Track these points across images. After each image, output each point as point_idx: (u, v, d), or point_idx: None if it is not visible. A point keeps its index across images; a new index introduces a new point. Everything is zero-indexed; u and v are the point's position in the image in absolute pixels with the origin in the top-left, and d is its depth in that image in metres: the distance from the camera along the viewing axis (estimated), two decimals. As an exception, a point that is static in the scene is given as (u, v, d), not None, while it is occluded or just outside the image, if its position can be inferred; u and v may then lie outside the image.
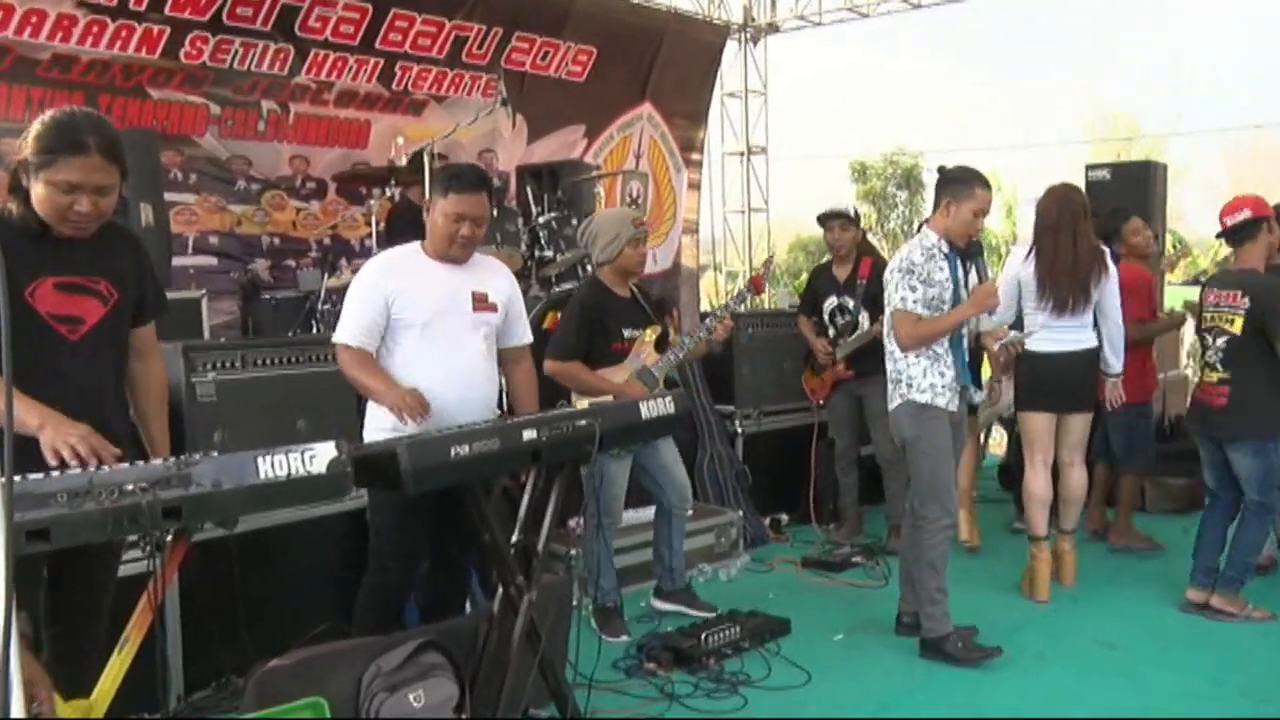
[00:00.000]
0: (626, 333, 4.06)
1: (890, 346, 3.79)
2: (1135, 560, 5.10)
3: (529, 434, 2.75)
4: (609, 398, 3.61)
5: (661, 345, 4.15)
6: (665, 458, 4.21)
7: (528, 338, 3.44)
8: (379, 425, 3.12)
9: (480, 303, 3.23)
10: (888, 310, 3.77)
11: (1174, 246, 9.48)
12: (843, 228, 5.38)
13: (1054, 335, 4.37)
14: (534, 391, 3.43)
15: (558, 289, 5.35)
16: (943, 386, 3.71)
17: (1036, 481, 4.48)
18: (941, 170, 3.77)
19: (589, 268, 4.37)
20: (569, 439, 2.86)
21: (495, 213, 5.44)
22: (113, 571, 2.59)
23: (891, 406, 3.80)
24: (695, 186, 10.12)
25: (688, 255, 10.07)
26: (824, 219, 5.42)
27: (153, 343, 2.68)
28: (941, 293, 3.70)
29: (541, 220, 5.69)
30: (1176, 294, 7.16)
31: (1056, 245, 4.32)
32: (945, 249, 3.73)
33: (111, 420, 2.45)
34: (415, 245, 3.26)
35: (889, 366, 3.81)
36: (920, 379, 3.71)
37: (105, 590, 2.56)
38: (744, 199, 11.08)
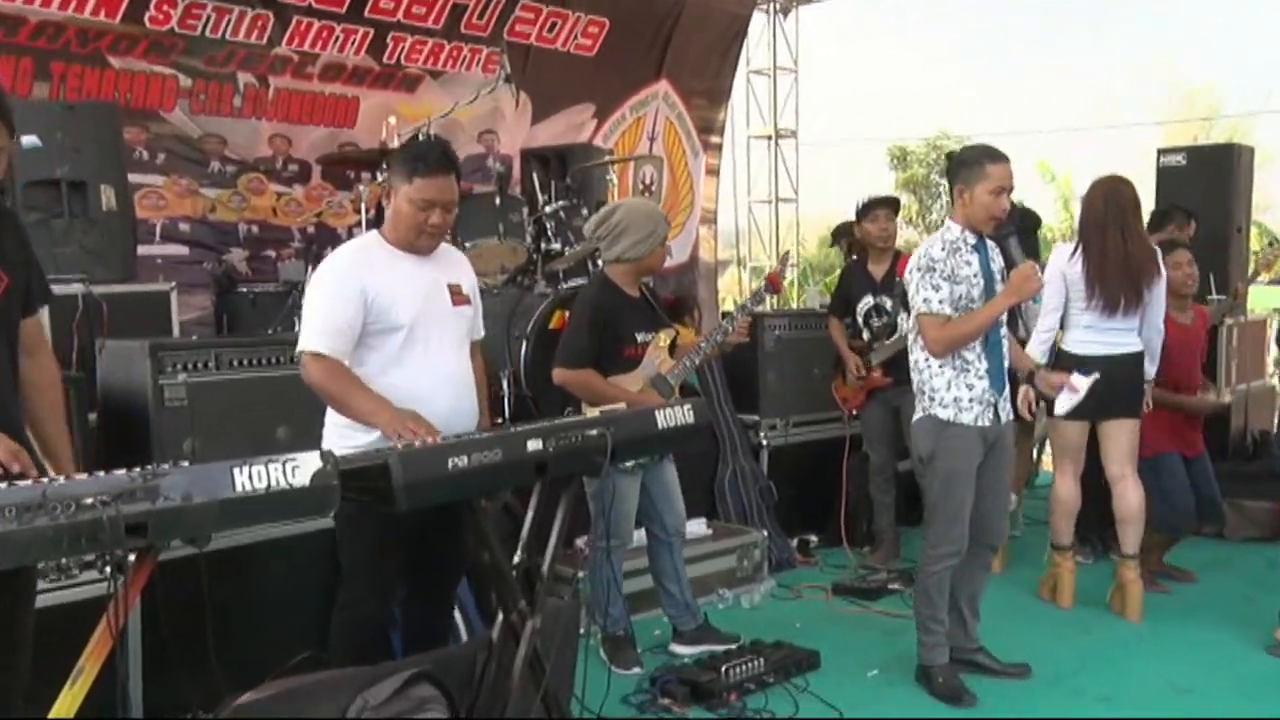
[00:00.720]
0: (639, 337, 4.08)
1: (915, 355, 3.78)
2: (1212, 593, 5.01)
3: (534, 444, 2.74)
4: (620, 406, 3.59)
5: (675, 350, 4.18)
6: (668, 480, 4.21)
7: (481, 331, 3.46)
8: (344, 439, 3.04)
9: (457, 295, 3.26)
10: (911, 315, 3.74)
11: (1269, 244, 9.36)
12: (889, 217, 5.39)
13: (1098, 337, 4.49)
14: (484, 389, 3.47)
15: (566, 286, 5.36)
16: (970, 400, 3.67)
17: (1064, 487, 4.73)
18: (949, 157, 3.81)
19: (598, 263, 4.36)
20: (578, 450, 2.85)
21: (498, 201, 5.49)
22: (32, 585, 2.48)
23: (915, 418, 3.79)
24: (714, 172, 10.13)
25: (705, 248, 10.08)
26: (869, 207, 5.40)
27: (41, 336, 2.65)
28: (970, 290, 3.66)
29: (548, 210, 5.72)
30: (1266, 295, 7.08)
31: (1105, 243, 4.39)
32: (970, 240, 3.70)
33: (14, 420, 2.41)
34: (374, 237, 3.24)
35: (914, 377, 3.80)
36: (943, 391, 3.69)
37: (26, 613, 2.45)
38: (771, 187, 11.08)
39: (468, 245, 5.35)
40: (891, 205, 5.39)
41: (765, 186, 11.09)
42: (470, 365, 3.32)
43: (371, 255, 3.17)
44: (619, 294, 4.10)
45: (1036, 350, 5.47)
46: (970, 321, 3.62)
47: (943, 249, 3.66)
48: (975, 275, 3.67)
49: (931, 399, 3.71)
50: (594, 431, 2.91)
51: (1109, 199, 4.44)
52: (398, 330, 3.09)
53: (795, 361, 6.00)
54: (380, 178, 5.81)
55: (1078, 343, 4.49)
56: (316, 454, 2.28)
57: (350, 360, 3.10)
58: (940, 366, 3.68)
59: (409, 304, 3.11)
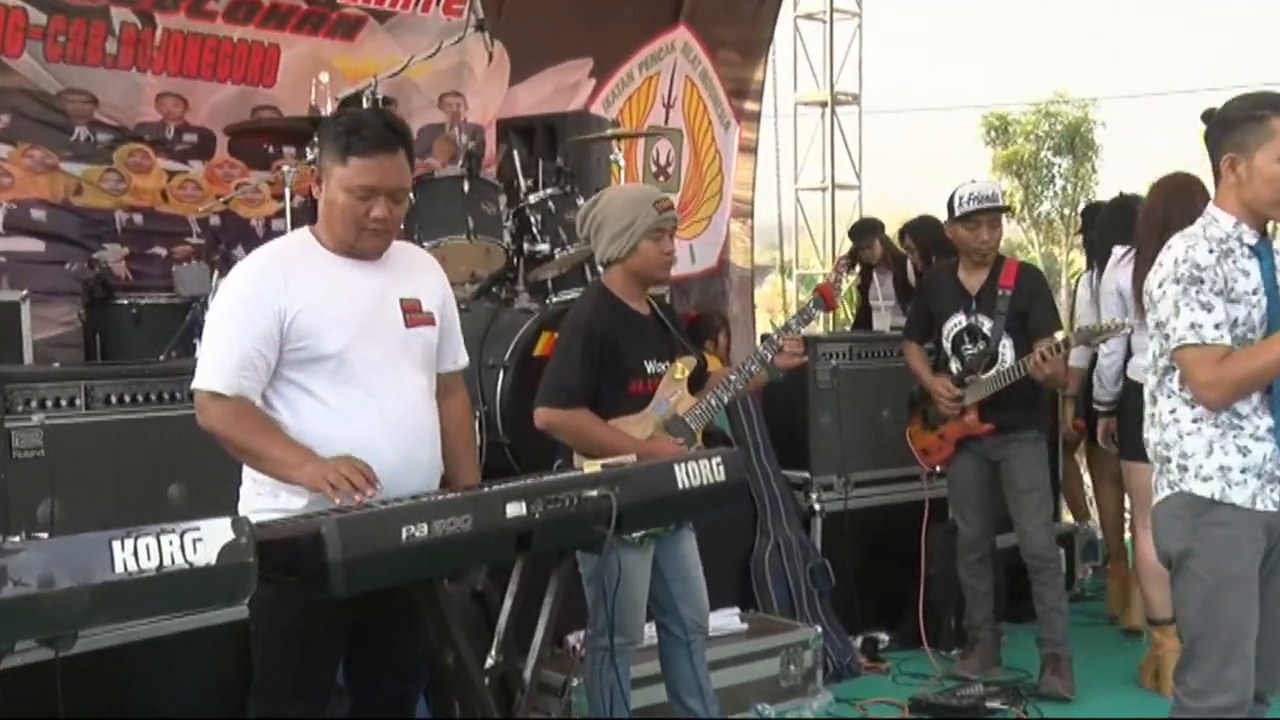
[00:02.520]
0: (649, 366, 4.10)
1: (1161, 404, 3.47)
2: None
3: (515, 509, 2.74)
4: (628, 458, 3.59)
5: (698, 383, 4.19)
6: (685, 557, 4.19)
7: (463, 358, 3.53)
8: (271, 502, 3.08)
9: (413, 313, 3.28)
10: (1157, 345, 3.45)
11: None
12: (993, 224, 5.33)
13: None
14: (469, 436, 3.55)
15: (556, 299, 5.33)
16: (1244, 471, 3.34)
17: (1152, 550, 4.60)
18: (1208, 115, 3.56)
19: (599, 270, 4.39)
20: (573, 517, 2.85)
21: (467, 187, 5.51)
22: None
23: (1157, 499, 3.58)
24: (750, 149, 10.19)
25: (739, 249, 10.14)
26: (971, 214, 5.32)
27: None
28: (1250, 312, 3.34)
29: (533, 199, 5.74)
30: None
31: (1161, 246, 4.37)
32: (1249, 238, 3.38)
33: None
34: (302, 237, 3.28)
35: (1152, 436, 3.47)
36: (1202, 457, 3.37)
37: None
38: (825, 170, 11.11)
39: (425, 245, 5.35)
40: (996, 209, 5.33)
41: (818, 168, 11.14)
42: (431, 405, 3.32)
43: (294, 260, 3.19)
44: (620, 309, 4.11)
45: (1105, 379, 5.60)
46: (1262, 355, 3.28)
47: (1210, 251, 3.34)
48: (1255, 290, 3.35)
49: (1183, 469, 3.39)
50: (593, 492, 2.92)
51: (1169, 200, 4.70)
52: (326, 360, 3.11)
53: (858, 401, 5.98)
54: (311, 154, 5.83)
55: (1140, 369, 4.53)
56: (226, 522, 2.27)
57: (269, 401, 3.13)
58: (1195, 422, 3.38)
59: (343, 324, 3.13)
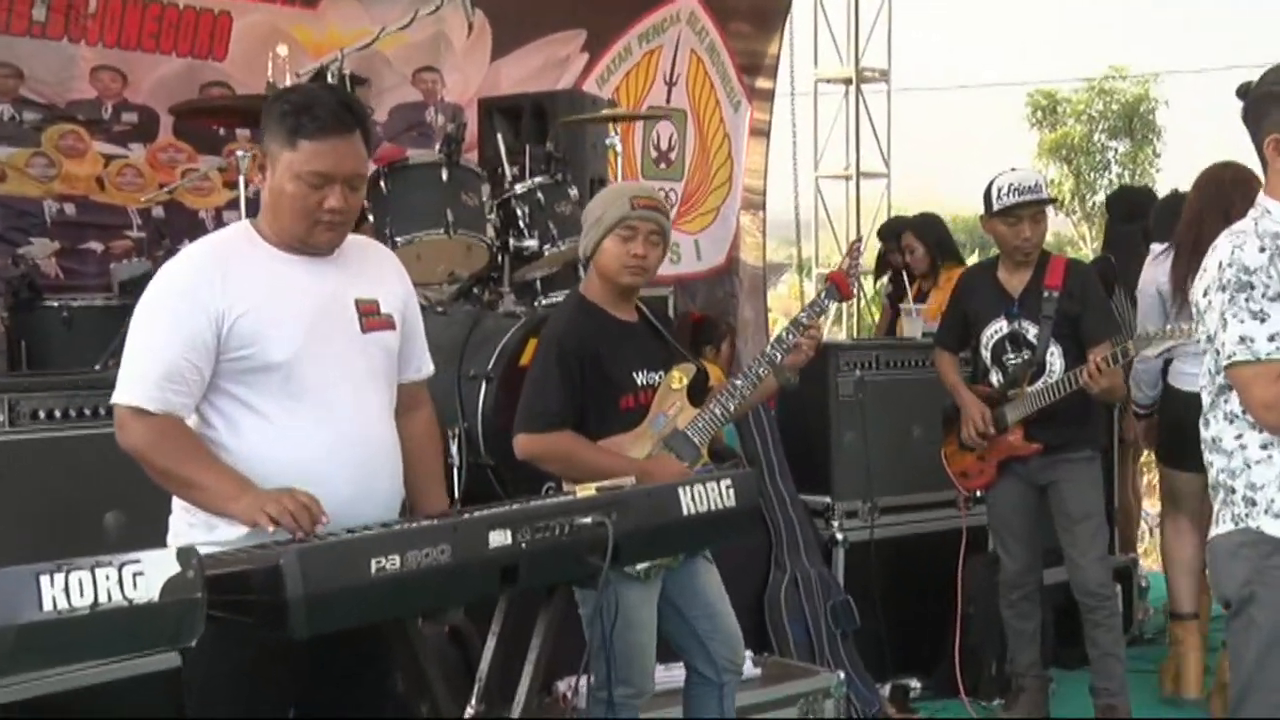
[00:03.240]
0: (639, 378, 4.14)
1: (1220, 428, 3.39)
2: None
3: (499, 538, 2.74)
4: (626, 480, 3.59)
5: (699, 393, 4.22)
6: (706, 587, 4.20)
7: (428, 366, 3.55)
8: (204, 535, 3.03)
9: (371, 316, 3.29)
10: (1210, 361, 3.37)
11: None
12: (1036, 219, 5.30)
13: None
14: (436, 458, 3.58)
15: (545, 302, 5.34)
16: None
17: (1181, 546, 5.18)
18: (1244, 90, 3.48)
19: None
20: (565, 547, 2.85)
21: (445, 176, 5.53)
22: None
23: (1217, 531, 3.53)
24: (763, 133, 10.24)
25: (750, 245, 10.18)
26: (1011, 208, 5.30)
27: None
28: None
29: (520, 189, 5.75)
30: None
31: (1197, 244, 4.46)
32: None
33: None
34: (243, 228, 3.29)
35: (1215, 462, 3.46)
36: (1274, 490, 3.27)
37: None
38: (849, 156, 11.13)
39: (399, 241, 5.38)
40: (1040, 201, 5.33)
41: (841, 154, 11.17)
42: (391, 422, 3.32)
43: (234, 256, 3.18)
44: (598, 318, 4.13)
45: (1143, 382, 5.73)
46: None
47: (1261, 249, 3.24)
48: None
49: (1251, 501, 3.30)
50: (587, 519, 2.91)
51: (1205, 192, 4.94)
52: (271, 370, 3.10)
53: (886, 416, 6.00)
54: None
55: (1182, 375, 4.88)
56: (170, 553, 2.25)
57: (206, 418, 3.12)
58: (1265, 449, 3.28)
59: (291, 329, 3.12)
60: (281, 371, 3.10)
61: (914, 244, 7.59)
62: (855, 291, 5.02)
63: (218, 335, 3.06)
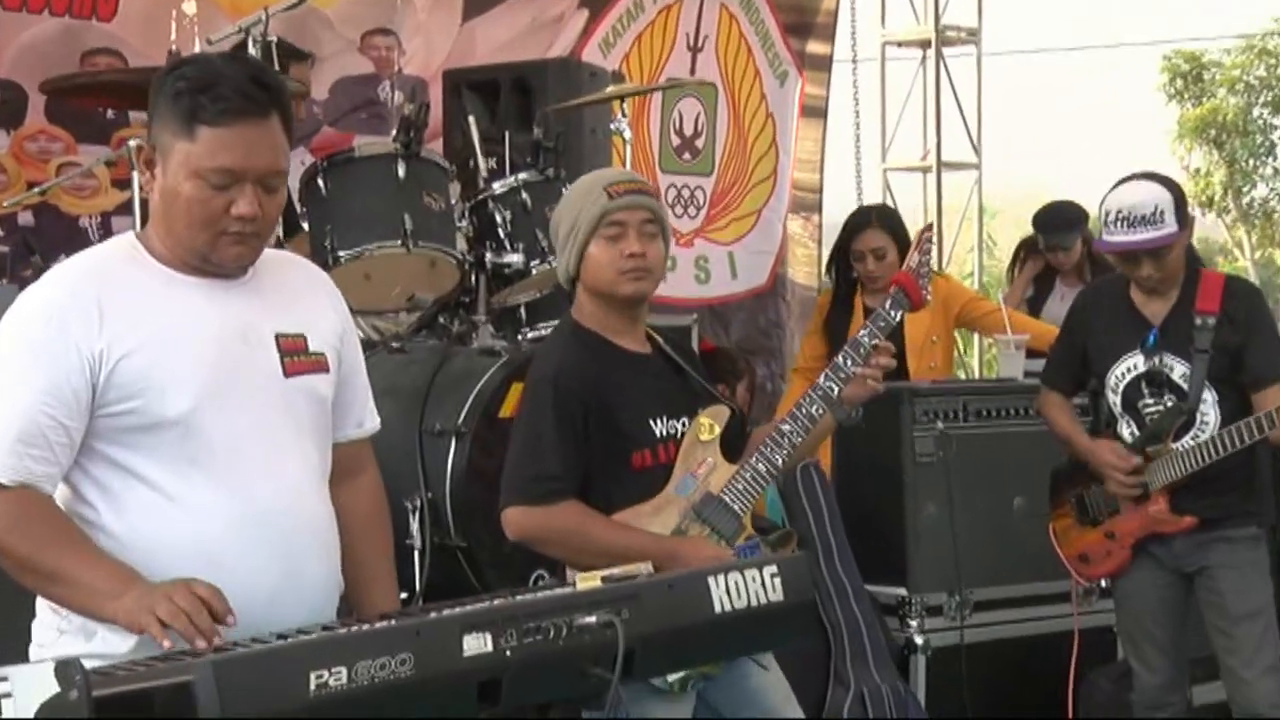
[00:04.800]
0: (658, 427, 4.17)
1: None
2: None
3: (477, 643, 2.72)
4: (642, 567, 3.60)
5: (734, 445, 4.25)
6: (764, 693, 4.20)
7: (371, 420, 3.55)
8: (69, 646, 3.00)
9: (296, 356, 3.27)
10: None
11: None
12: (1158, 255, 5.20)
13: None
14: (387, 534, 3.58)
15: (532, 334, 5.35)
16: None
17: None
18: None
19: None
20: (562, 655, 2.84)
21: (402, 171, 5.55)
22: None
23: None
24: (818, 112, 10.28)
25: (800, 259, 10.22)
26: (1118, 249, 5.29)
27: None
28: None
29: (499, 188, 5.79)
30: None
31: None
32: None
33: None
34: (127, 243, 3.25)
35: None
36: None
37: None
38: (928, 140, 11.16)
39: (343, 256, 5.43)
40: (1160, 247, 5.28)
41: (917, 139, 11.18)
42: (323, 491, 3.32)
43: (115, 280, 3.13)
44: (600, 350, 4.15)
45: None
46: None
47: None
48: None
49: None
50: (590, 618, 2.89)
51: None
52: (163, 428, 3.07)
53: (978, 481, 6.01)
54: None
55: None
56: (46, 668, 2.25)
57: (77, 488, 3.11)
58: None
59: (189, 375, 3.08)
60: (177, 429, 3.07)
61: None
62: (927, 298, 4.87)
63: (92, 383, 3.02)
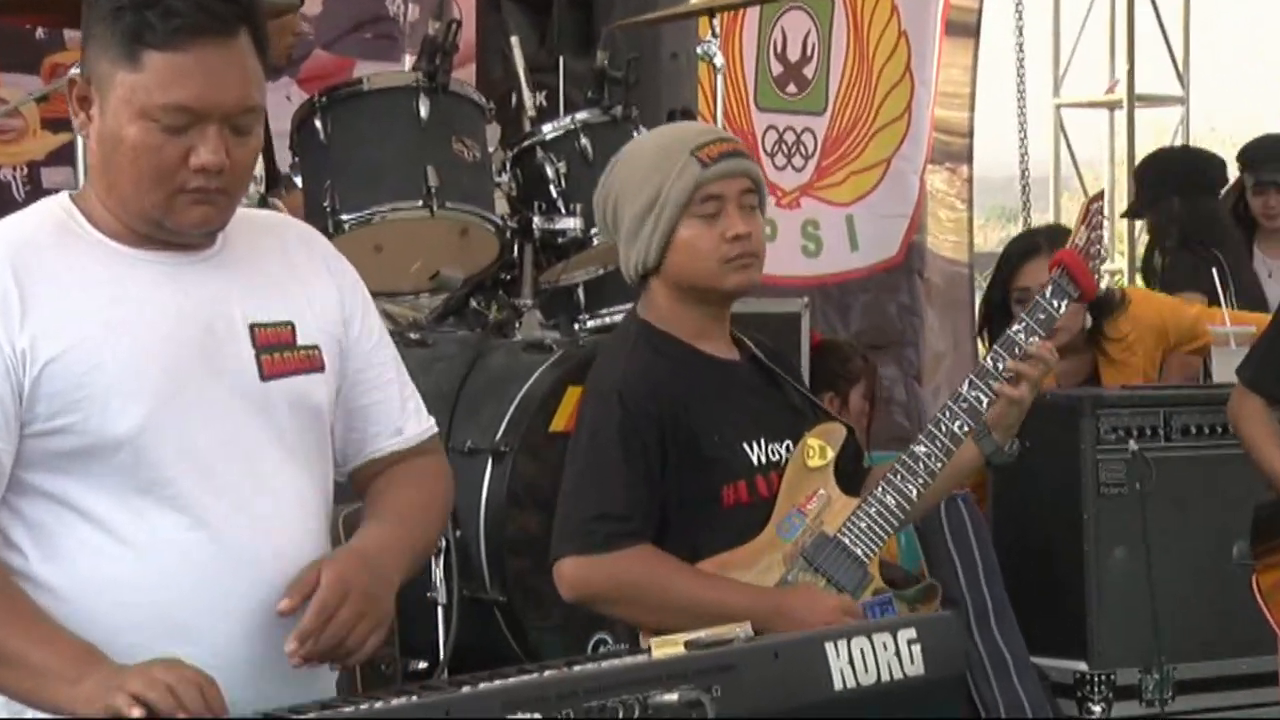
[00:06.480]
0: (754, 453, 4.24)
1: None
2: None
3: (524, 722, 2.75)
4: (738, 629, 3.63)
5: (852, 473, 4.35)
6: None
7: (416, 426, 3.52)
8: None
9: (275, 352, 3.26)
10: None
11: None
12: None
13: None
14: (436, 494, 3.51)
15: (593, 323, 5.43)
16: None
17: None
18: None
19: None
20: (635, 736, 2.87)
21: (425, 110, 5.59)
22: None
23: None
24: (968, 30, 10.34)
25: (945, 224, 10.30)
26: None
27: None
28: None
29: (550, 133, 5.84)
30: None
31: None
32: None
33: None
34: (58, 208, 3.23)
35: None
36: None
37: None
38: (1113, 67, 11.16)
39: (347, 221, 5.48)
40: None
41: (1102, 65, 11.18)
42: (324, 528, 3.34)
43: (42, 258, 3.14)
44: (678, 357, 4.20)
45: None
46: None
47: None
48: None
49: None
50: (671, 695, 2.90)
51: None
52: (107, 451, 3.08)
53: (1181, 518, 6.02)
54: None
55: None
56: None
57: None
58: None
59: (138, 381, 3.10)
60: (125, 451, 3.07)
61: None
62: (1100, 281, 4.84)
63: (17, 393, 3.04)
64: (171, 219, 3.11)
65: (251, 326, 3.21)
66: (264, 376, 3.21)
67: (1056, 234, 6.62)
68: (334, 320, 3.37)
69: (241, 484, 3.17)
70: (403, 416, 3.49)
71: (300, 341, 3.27)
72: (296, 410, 3.27)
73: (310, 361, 3.29)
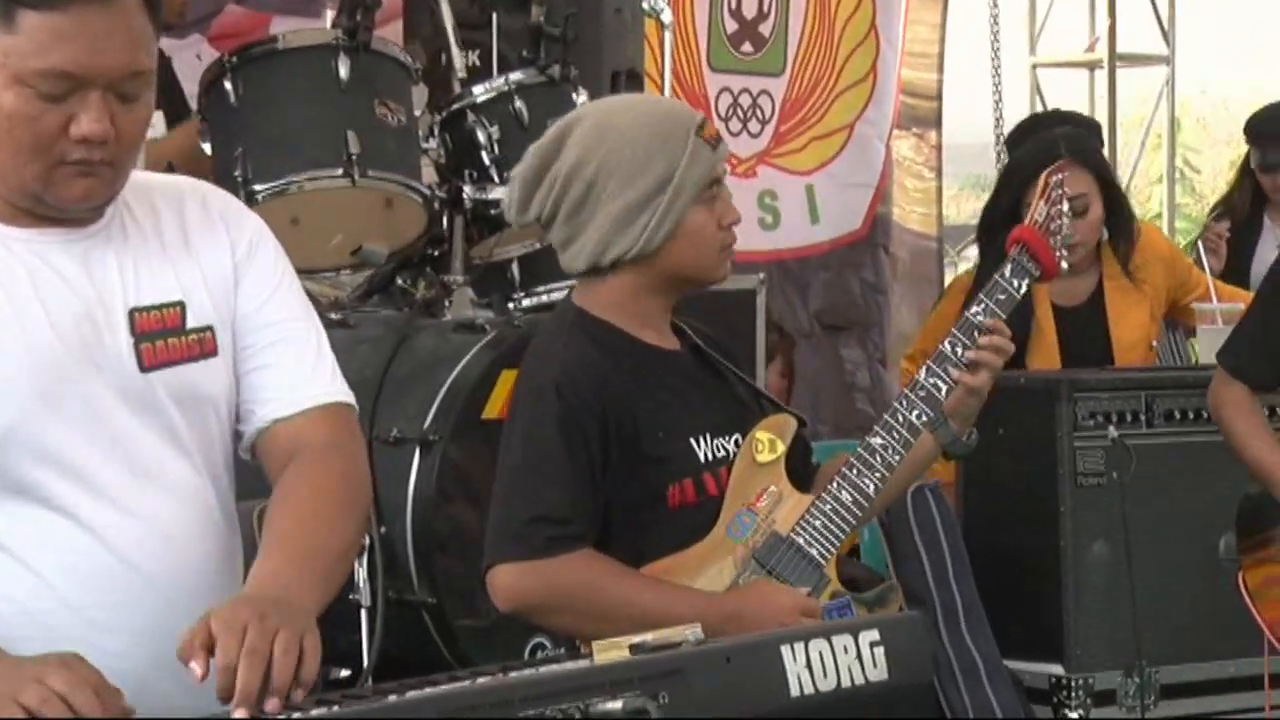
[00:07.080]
0: (701, 448, 4.26)
1: None
2: None
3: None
4: (688, 631, 3.67)
5: (803, 469, 4.38)
6: None
7: (316, 389, 3.39)
8: None
9: (156, 339, 3.23)
10: None
11: None
12: None
13: None
14: (342, 496, 3.33)
15: (528, 302, 5.47)
16: None
17: None
18: None
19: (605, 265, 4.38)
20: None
21: (345, 70, 5.61)
22: None
23: None
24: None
25: (912, 194, 10.34)
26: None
27: None
28: None
29: (482, 94, 5.87)
30: None
31: None
32: None
33: None
34: None
35: None
36: None
37: None
38: (1093, 26, 11.20)
39: (259, 192, 5.47)
40: None
41: (1081, 24, 11.22)
42: (222, 527, 3.32)
43: None
44: (619, 348, 4.21)
45: None
46: None
47: None
48: None
49: None
50: (614, 703, 2.93)
51: None
52: None
53: (1164, 510, 6.07)
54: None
55: None
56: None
57: None
58: None
59: (10, 374, 3.07)
60: None
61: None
62: (1062, 261, 4.80)
63: None
64: (51, 193, 3.10)
65: (131, 312, 3.19)
66: (144, 367, 3.19)
67: (1079, 136, 7.02)
68: (229, 287, 3.34)
69: (125, 484, 3.16)
70: (305, 379, 3.39)
71: (190, 324, 3.25)
72: (184, 402, 3.25)
73: (200, 346, 3.26)
